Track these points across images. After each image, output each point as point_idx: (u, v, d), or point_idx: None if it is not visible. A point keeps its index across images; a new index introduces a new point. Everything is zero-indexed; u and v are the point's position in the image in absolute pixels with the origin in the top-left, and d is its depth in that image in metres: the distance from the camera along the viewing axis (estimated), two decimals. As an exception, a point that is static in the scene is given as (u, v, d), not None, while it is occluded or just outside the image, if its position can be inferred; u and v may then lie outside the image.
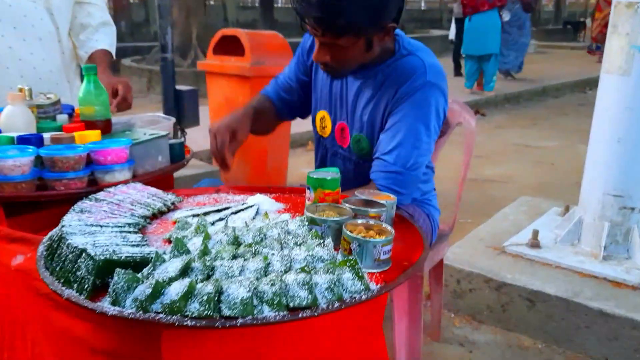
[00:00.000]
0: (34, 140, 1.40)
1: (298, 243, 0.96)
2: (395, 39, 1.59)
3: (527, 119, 7.28)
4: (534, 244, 2.62)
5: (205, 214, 1.19)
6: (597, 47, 11.61)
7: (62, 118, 1.65)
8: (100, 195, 1.20)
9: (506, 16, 8.24)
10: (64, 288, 0.89)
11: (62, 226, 1.01)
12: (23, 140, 1.39)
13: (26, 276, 1.08)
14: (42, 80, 2.05)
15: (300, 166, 4.91)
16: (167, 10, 3.69)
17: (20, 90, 1.64)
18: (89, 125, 1.57)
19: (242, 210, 1.21)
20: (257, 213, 1.21)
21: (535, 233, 2.64)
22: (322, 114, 1.74)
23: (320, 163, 1.84)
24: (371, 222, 1.02)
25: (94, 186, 1.37)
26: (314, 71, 1.74)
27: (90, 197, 1.18)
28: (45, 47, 2.05)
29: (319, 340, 0.96)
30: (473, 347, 2.31)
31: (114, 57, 2.25)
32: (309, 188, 1.19)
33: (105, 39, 2.21)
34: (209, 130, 1.57)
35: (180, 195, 1.39)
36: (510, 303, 2.38)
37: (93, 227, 1.02)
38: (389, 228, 1.00)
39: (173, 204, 1.26)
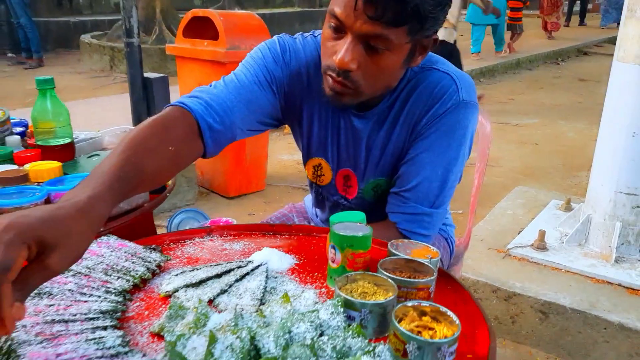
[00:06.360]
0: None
1: (337, 348, 0.72)
2: None
3: (504, 94, 7.12)
4: (540, 245, 2.45)
5: (202, 281, 0.93)
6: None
7: (13, 141, 1.33)
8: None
9: None
10: None
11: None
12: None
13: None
14: None
15: (280, 152, 4.63)
16: (128, -12, 3.28)
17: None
18: (46, 151, 1.28)
19: (248, 273, 0.96)
20: (267, 277, 0.95)
21: (542, 234, 2.46)
22: (316, 161, 1.35)
23: (318, 205, 1.49)
24: (425, 304, 0.78)
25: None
26: (299, 100, 1.26)
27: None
28: None
29: None
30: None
31: None
32: (333, 247, 0.93)
33: None
34: None
35: (163, 242, 1.12)
36: (521, 315, 2.21)
37: (55, 326, 0.76)
38: (449, 313, 0.76)
39: (159, 265, 0.99)
